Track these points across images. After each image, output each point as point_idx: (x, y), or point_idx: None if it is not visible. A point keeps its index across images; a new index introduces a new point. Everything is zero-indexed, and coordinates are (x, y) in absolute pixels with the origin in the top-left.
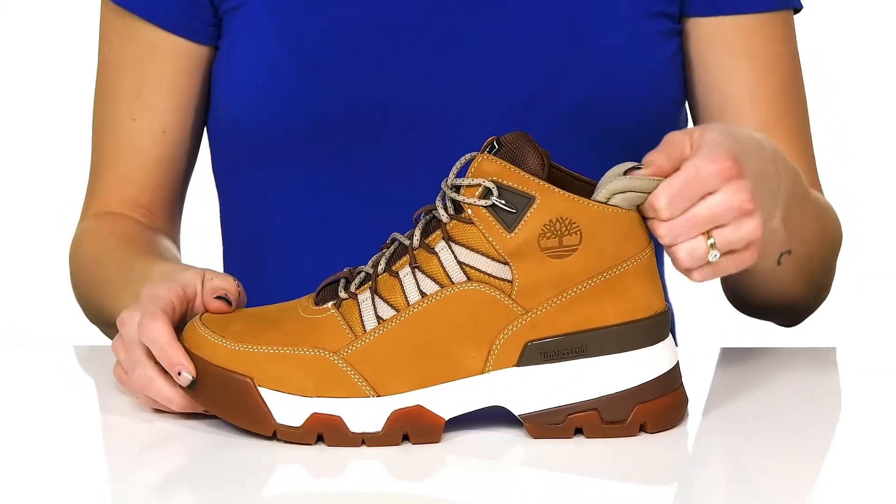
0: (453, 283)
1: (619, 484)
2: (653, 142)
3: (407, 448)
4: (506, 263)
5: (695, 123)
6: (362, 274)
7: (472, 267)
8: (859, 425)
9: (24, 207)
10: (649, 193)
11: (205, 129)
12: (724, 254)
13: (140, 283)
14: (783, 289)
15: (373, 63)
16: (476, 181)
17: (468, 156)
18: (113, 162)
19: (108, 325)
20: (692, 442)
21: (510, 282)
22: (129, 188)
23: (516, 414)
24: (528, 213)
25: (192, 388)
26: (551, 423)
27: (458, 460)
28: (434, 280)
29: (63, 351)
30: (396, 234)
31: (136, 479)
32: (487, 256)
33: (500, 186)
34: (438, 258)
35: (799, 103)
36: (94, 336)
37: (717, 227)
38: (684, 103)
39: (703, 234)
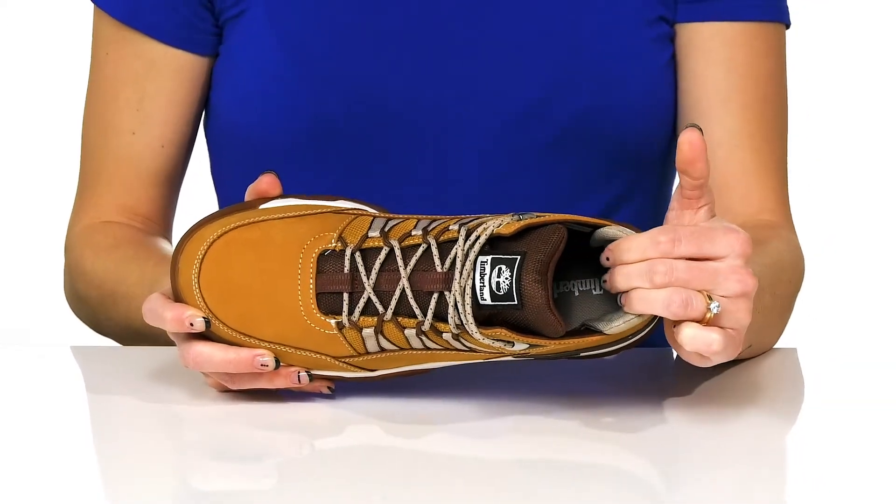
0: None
1: (617, 484)
2: (651, 149)
3: (401, 447)
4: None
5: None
6: (365, 298)
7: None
8: (857, 422)
9: (23, 208)
10: None
11: (198, 134)
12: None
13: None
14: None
15: (373, 69)
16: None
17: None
18: (111, 174)
19: (133, 335)
20: (682, 442)
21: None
22: (127, 199)
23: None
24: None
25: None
26: None
27: (455, 458)
28: (442, 347)
29: (62, 351)
30: (405, 285)
31: (137, 479)
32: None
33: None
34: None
35: (776, 120)
36: (94, 336)
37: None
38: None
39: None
